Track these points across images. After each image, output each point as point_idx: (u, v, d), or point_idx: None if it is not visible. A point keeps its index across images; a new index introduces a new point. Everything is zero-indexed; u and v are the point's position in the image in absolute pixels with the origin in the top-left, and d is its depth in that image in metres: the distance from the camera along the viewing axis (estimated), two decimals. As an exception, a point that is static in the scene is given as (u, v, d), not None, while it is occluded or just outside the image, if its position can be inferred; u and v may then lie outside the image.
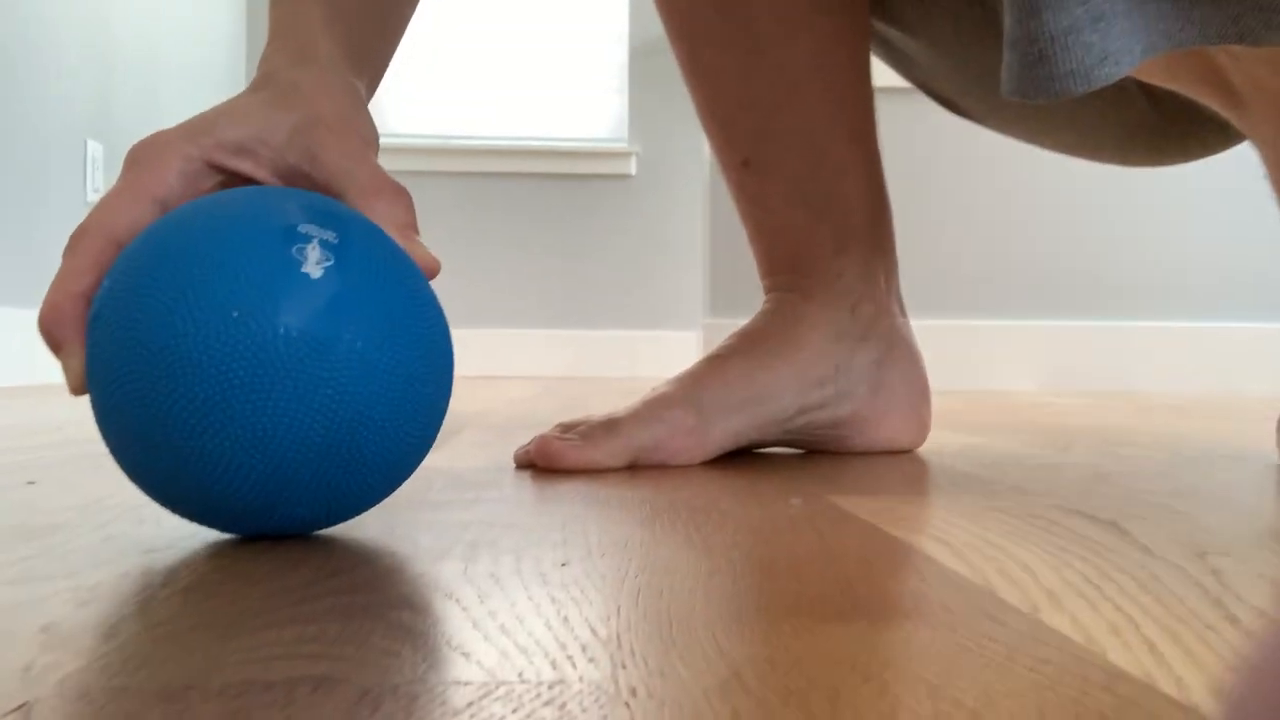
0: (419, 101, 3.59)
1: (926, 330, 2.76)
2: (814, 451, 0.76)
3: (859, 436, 0.75)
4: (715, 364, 0.72)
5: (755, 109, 0.74)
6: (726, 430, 0.69)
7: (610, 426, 0.65)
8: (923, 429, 0.78)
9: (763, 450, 0.77)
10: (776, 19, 0.72)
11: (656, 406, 0.67)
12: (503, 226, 3.57)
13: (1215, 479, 0.62)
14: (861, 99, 0.76)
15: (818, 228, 0.75)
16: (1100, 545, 0.40)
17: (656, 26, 3.83)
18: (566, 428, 0.67)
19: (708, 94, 0.76)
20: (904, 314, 0.78)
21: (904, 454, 0.76)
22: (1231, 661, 0.25)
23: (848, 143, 0.75)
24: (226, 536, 0.41)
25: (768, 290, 0.77)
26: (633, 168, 3.58)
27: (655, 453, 0.66)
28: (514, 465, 0.65)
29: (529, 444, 0.65)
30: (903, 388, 0.76)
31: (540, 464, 0.63)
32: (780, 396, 0.71)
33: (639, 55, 3.53)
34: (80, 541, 0.39)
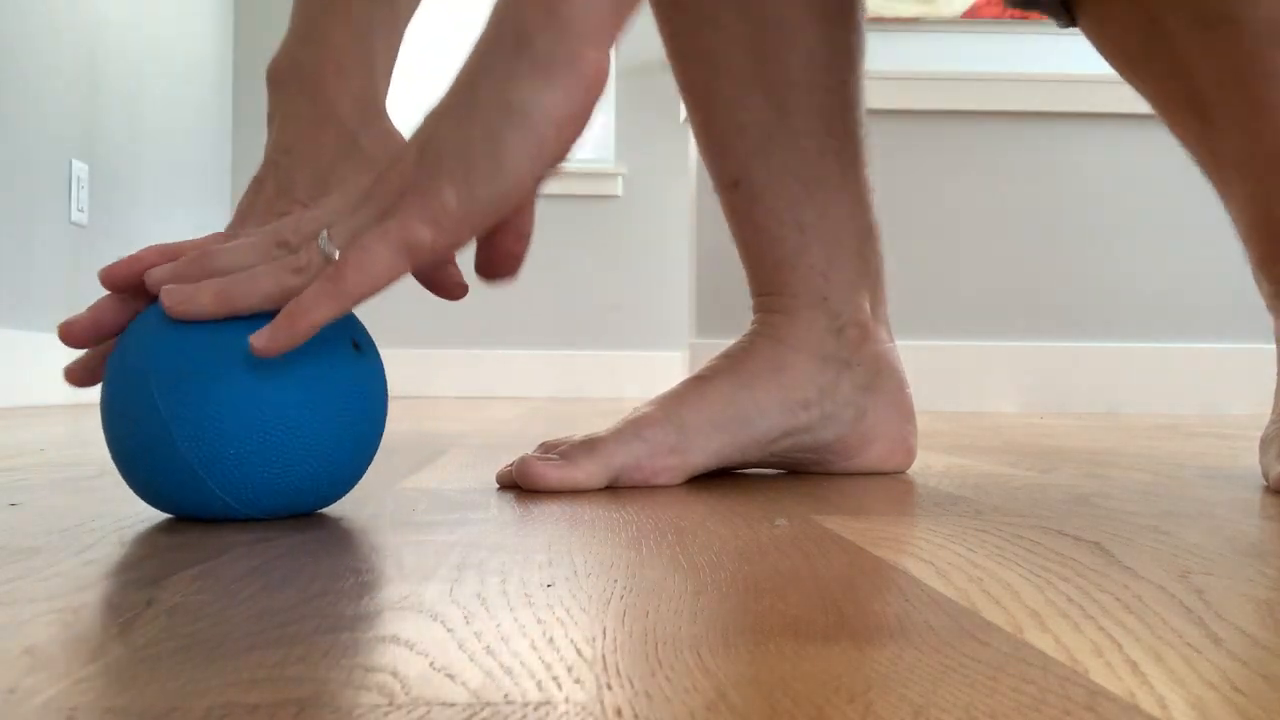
0: (405, 124, 3.60)
1: (911, 351, 2.77)
2: (798, 472, 0.76)
3: (843, 461, 0.75)
4: (698, 384, 0.71)
5: (747, 133, 0.75)
6: (707, 450, 0.69)
7: (590, 446, 0.65)
8: (909, 455, 0.77)
9: (746, 470, 0.77)
10: (771, 46, 0.74)
11: (638, 426, 0.67)
12: (489, 247, 3.57)
13: (1198, 499, 0.63)
14: (852, 125, 0.76)
15: (805, 250, 0.74)
16: (1083, 565, 0.40)
17: (643, 48, 3.85)
18: (548, 448, 0.67)
19: (702, 116, 0.77)
20: (892, 339, 0.78)
21: (888, 476, 0.76)
22: (1213, 681, 0.25)
23: (837, 168, 0.76)
24: (210, 559, 0.40)
25: (755, 310, 0.77)
26: (619, 188, 3.59)
27: (636, 472, 0.66)
28: (497, 485, 0.65)
29: (511, 464, 0.65)
30: (887, 414, 0.75)
31: (521, 484, 0.63)
32: (763, 418, 0.71)
33: (626, 76, 3.54)
34: (63, 564, 0.39)
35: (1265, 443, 0.71)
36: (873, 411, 0.74)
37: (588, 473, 0.64)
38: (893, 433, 0.75)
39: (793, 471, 0.76)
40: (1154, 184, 2.52)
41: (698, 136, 0.78)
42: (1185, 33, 0.66)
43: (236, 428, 0.47)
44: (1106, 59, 0.74)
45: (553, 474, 0.63)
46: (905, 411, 0.77)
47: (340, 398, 0.49)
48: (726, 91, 0.75)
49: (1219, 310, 2.53)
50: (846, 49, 0.76)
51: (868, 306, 0.76)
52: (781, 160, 0.75)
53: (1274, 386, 0.73)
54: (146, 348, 0.49)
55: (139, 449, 0.48)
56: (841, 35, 0.76)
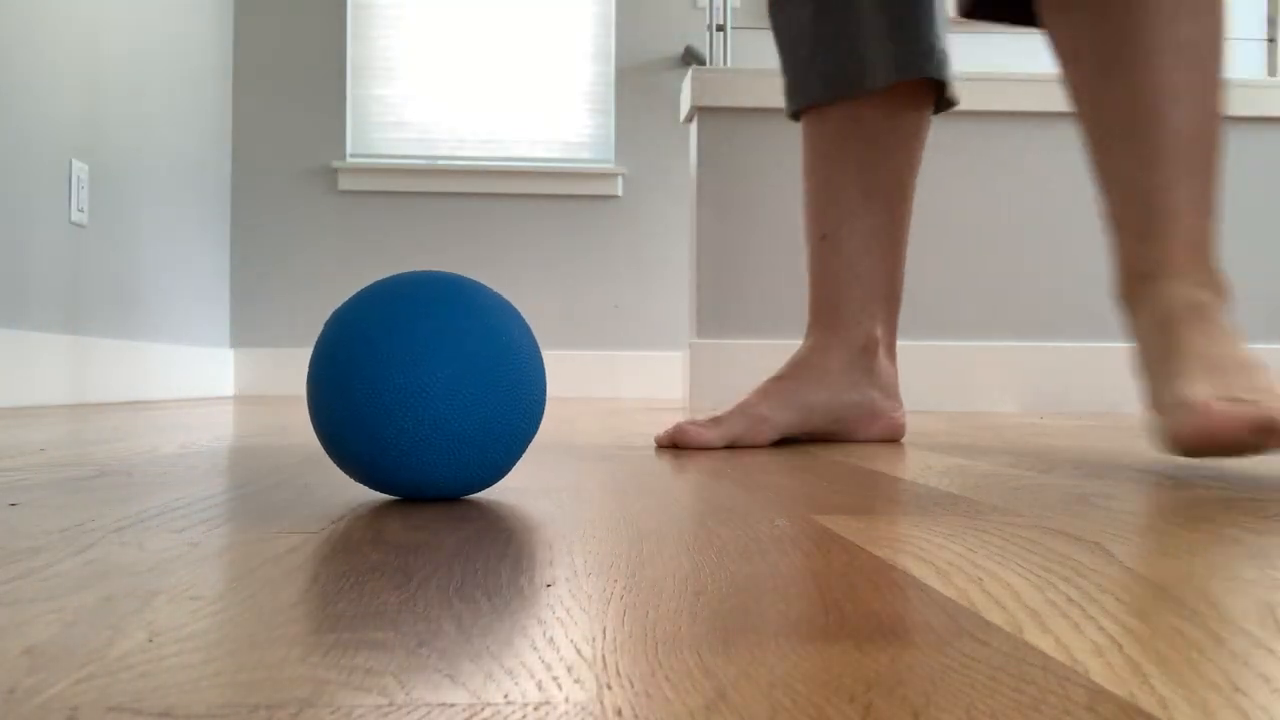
0: (406, 123, 3.60)
1: (913, 351, 2.76)
2: (828, 441, 1.16)
3: (859, 432, 1.17)
4: (779, 382, 1.14)
5: (840, 205, 1.15)
6: (781, 423, 1.11)
7: (718, 421, 1.08)
8: (901, 429, 1.19)
9: (750, 470, 0.77)
10: (870, 159, 1.14)
11: (744, 408, 1.10)
12: (489, 247, 3.57)
13: (1198, 499, 0.63)
14: (909, 202, 1.17)
15: (855, 294, 1.16)
16: (1084, 565, 0.40)
17: (644, 48, 3.85)
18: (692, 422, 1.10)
19: (811, 187, 1.17)
20: (892, 358, 1.20)
21: (888, 476, 0.76)
22: (1215, 681, 0.25)
23: (891, 234, 1.16)
24: (209, 560, 0.40)
25: (810, 327, 1.18)
26: (619, 188, 3.59)
27: (745, 437, 1.08)
28: (655, 446, 1.04)
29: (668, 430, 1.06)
30: (886, 404, 1.19)
31: (678, 443, 1.04)
32: (816, 405, 1.14)
33: (625, 76, 3.54)
34: (63, 564, 0.39)
35: (1156, 398, 0.83)
36: (877, 400, 1.17)
37: (717, 436, 1.06)
38: (889, 414, 1.18)
39: (824, 441, 1.16)
40: (1154, 184, 2.52)
41: (806, 198, 1.18)
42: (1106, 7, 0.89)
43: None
44: (1041, 12, 0.94)
45: (694, 436, 1.04)
46: (896, 402, 1.20)
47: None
48: (837, 180, 1.15)
49: (1219, 310, 2.53)
50: (918, 155, 1.16)
51: (880, 333, 1.17)
52: (858, 229, 1.15)
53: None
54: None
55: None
56: (920, 144, 1.16)
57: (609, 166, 3.54)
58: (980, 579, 0.37)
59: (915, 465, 0.86)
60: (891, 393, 1.18)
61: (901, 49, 1.12)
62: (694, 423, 1.06)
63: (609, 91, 3.54)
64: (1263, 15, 3.10)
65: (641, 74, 3.53)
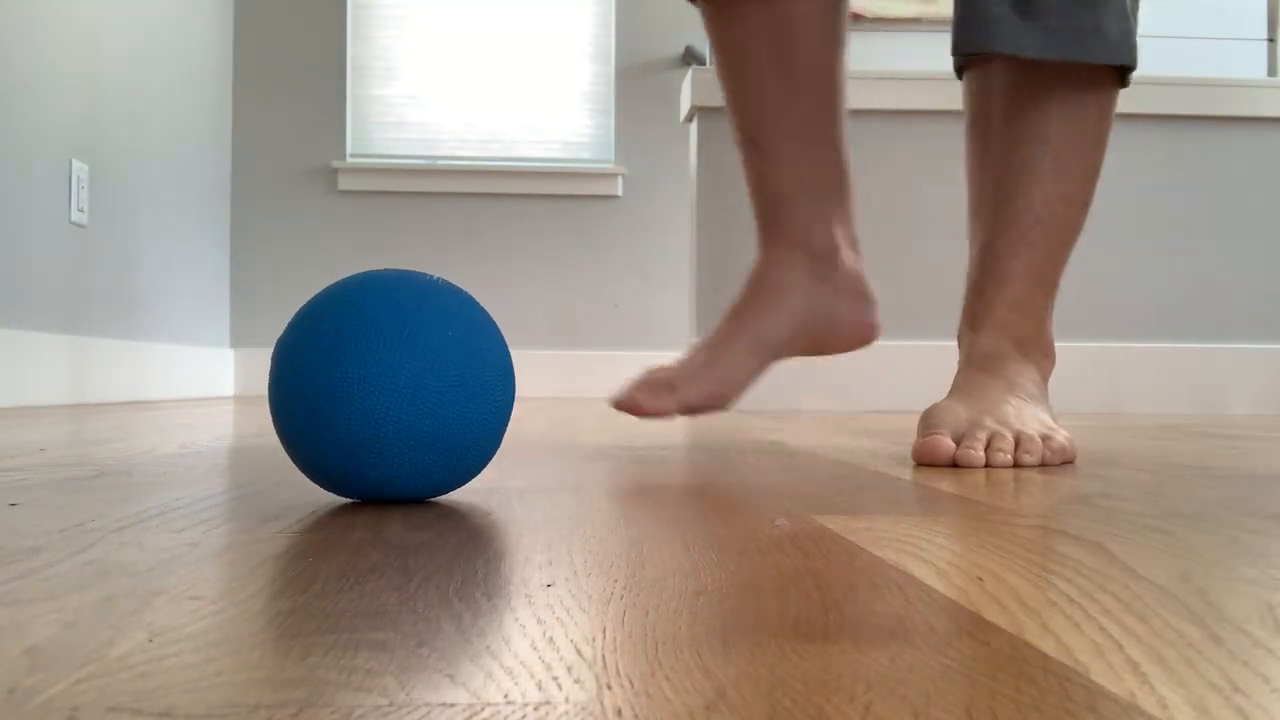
0: (406, 123, 3.60)
1: (913, 352, 2.76)
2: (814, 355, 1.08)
3: (827, 342, 1.07)
4: (736, 323, 1.04)
5: (764, 103, 1.01)
6: (748, 369, 1.03)
7: (672, 385, 1.01)
8: (872, 330, 1.09)
9: (746, 470, 0.77)
10: (785, 37, 0.99)
11: (705, 367, 1.02)
12: (489, 247, 3.57)
13: (1198, 499, 0.63)
14: (839, 93, 1.02)
15: (798, 199, 1.03)
16: (1084, 565, 0.40)
17: (644, 49, 3.86)
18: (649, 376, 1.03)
19: (732, 88, 1.03)
20: (856, 250, 1.08)
21: (888, 476, 0.76)
22: (1215, 681, 0.25)
23: (826, 129, 1.02)
24: (209, 560, 0.40)
25: (760, 243, 1.06)
26: (619, 188, 3.59)
27: (706, 403, 1.02)
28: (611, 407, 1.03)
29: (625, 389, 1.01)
30: (854, 306, 1.07)
31: (629, 411, 0.99)
32: (777, 332, 1.04)
33: (625, 76, 3.54)
34: (63, 564, 0.39)
35: (921, 421, 0.91)
36: (844, 308, 1.06)
37: (670, 406, 1.00)
38: (857, 318, 1.07)
39: (802, 356, 1.08)
40: (1154, 184, 2.52)
41: (728, 103, 1.04)
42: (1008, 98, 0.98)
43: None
44: (968, 103, 1.03)
45: (649, 409, 0.99)
46: (866, 302, 1.08)
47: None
48: (750, 73, 1.01)
49: (1219, 310, 2.53)
50: (840, 35, 1.01)
51: (839, 235, 1.05)
52: (788, 126, 1.01)
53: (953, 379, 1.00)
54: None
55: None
56: (838, 22, 1.01)
57: (609, 166, 3.54)
58: (980, 579, 0.37)
59: (916, 465, 0.86)
60: (860, 294, 1.08)
61: None
62: (649, 384, 1.00)
63: (609, 91, 3.54)
64: (1263, 15, 3.10)
65: (641, 74, 3.53)
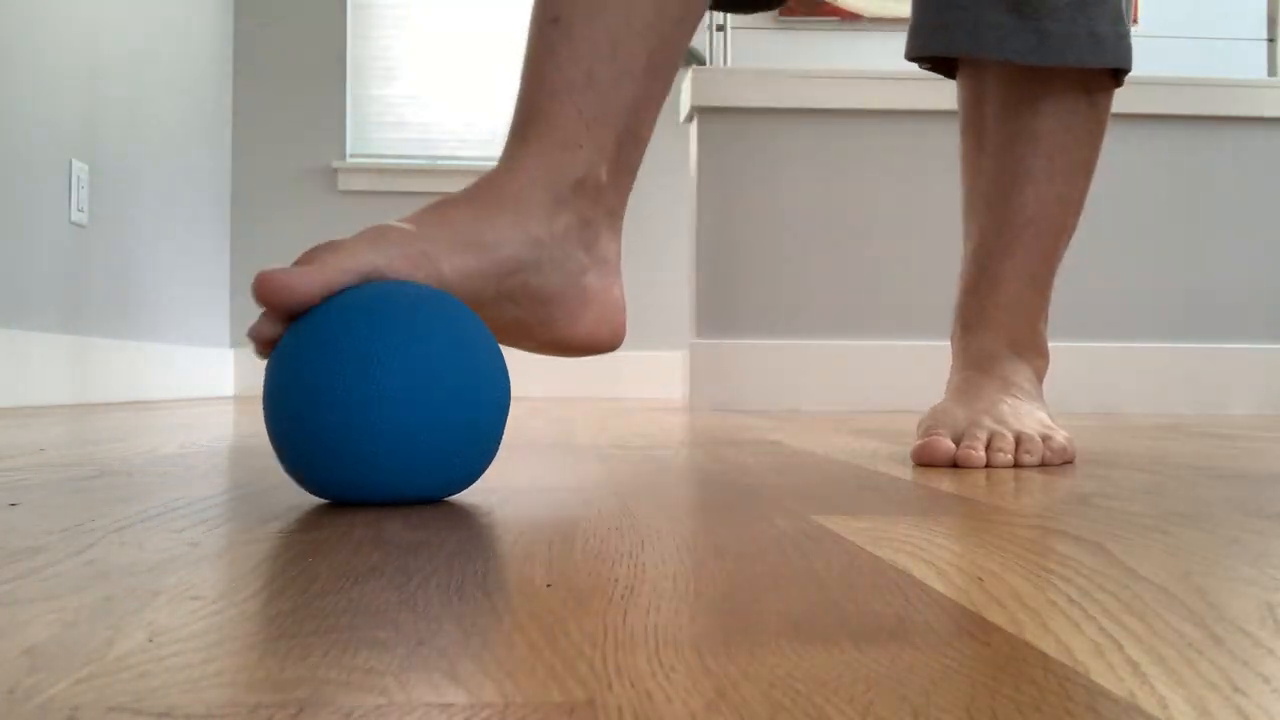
0: (406, 123, 3.60)
1: (913, 352, 2.77)
2: (524, 338, 0.76)
3: (563, 320, 0.76)
4: (442, 207, 0.71)
5: None
6: (453, 266, 0.68)
7: (334, 247, 0.62)
8: (617, 331, 0.80)
9: (745, 471, 0.77)
10: None
11: (384, 232, 0.65)
12: (489, 247, 3.57)
13: (1198, 499, 0.63)
14: (678, 30, 0.81)
15: (581, 94, 0.77)
16: (1084, 565, 0.40)
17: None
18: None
19: None
20: (615, 229, 0.81)
21: (888, 476, 0.76)
22: (1215, 681, 0.25)
23: (646, 52, 0.80)
24: (209, 560, 0.40)
25: (511, 134, 0.79)
26: (619, 189, 3.58)
27: (385, 273, 0.62)
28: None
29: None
30: (604, 284, 0.78)
31: (262, 298, 0.58)
32: (502, 246, 0.71)
33: (625, 77, 3.54)
34: (63, 564, 0.39)
35: (920, 423, 0.90)
36: (593, 275, 0.77)
37: (337, 270, 0.60)
38: (608, 303, 0.78)
39: (520, 337, 0.76)
40: (1154, 184, 2.52)
41: None
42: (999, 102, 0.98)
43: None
44: (961, 103, 1.02)
45: (299, 279, 0.59)
46: (616, 295, 0.80)
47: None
48: None
49: (1219, 310, 2.53)
50: None
51: (608, 185, 0.79)
52: (606, 20, 0.78)
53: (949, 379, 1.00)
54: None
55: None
56: None
57: (609, 166, 3.54)
58: (980, 579, 0.37)
59: (916, 465, 0.86)
60: (610, 271, 0.80)
61: None
62: (303, 262, 0.61)
63: (609, 91, 3.54)
64: (1263, 15, 3.10)
65: (641, 74, 3.53)
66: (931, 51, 0.98)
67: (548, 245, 0.74)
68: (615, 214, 0.82)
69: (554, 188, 0.75)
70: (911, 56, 1.01)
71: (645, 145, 0.83)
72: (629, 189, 0.82)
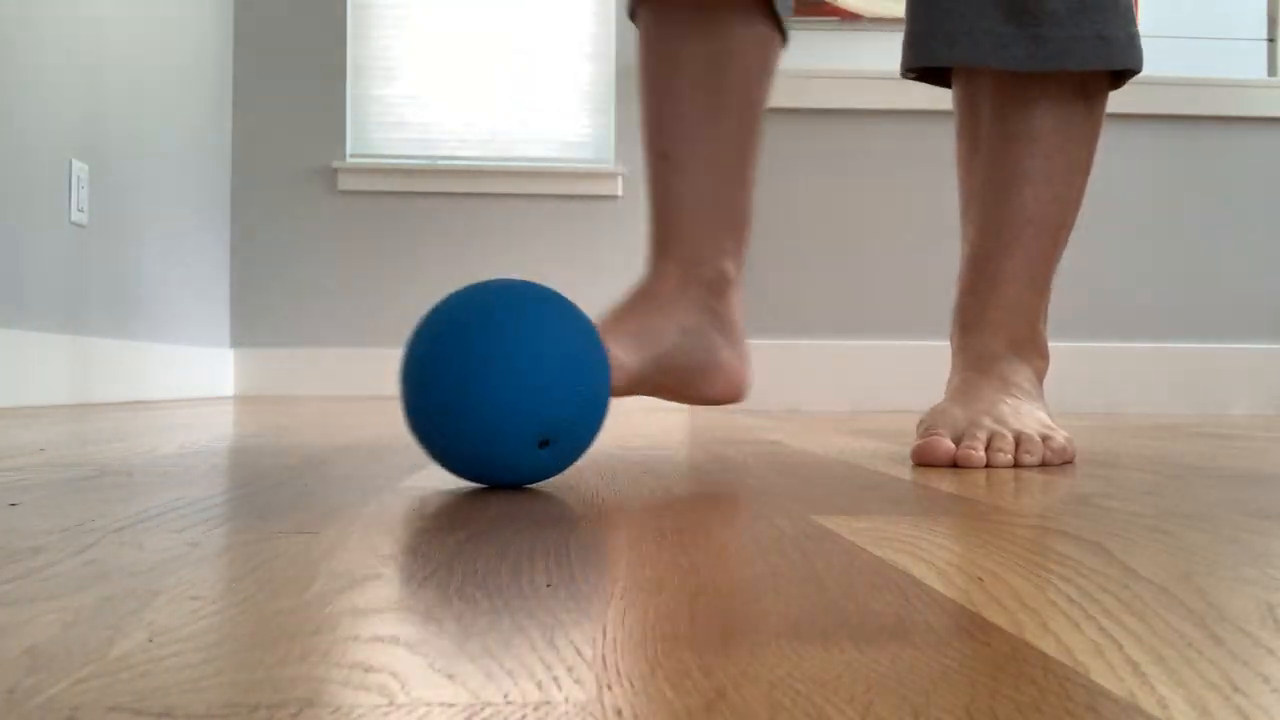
0: (406, 123, 3.60)
1: (914, 352, 2.76)
2: (674, 398, 0.99)
3: (703, 386, 0.99)
4: (619, 313, 0.95)
5: (684, 120, 1.00)
6: (630, 357, 0.92)
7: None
8: (743, 391, 1.03)
9: (745, 471, 0.77)
10: (720, 61, 0.99)
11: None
12: (489, 247, 3.57)
13: (1198, 499, 0.63)
14: (757, 129, 1.03)
15: (699, 219, 1.01)
16: (1084, 565, 0.40)
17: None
18: None
19: (653, 100, 1.02)
20: (740, 297, 1.05)
21: (888, 476, 0.76)
22: (1215, 681, 0.25)
23: (740, 162, 1.02)
24: (210, 559, 0.40)
25: (651, 254, 1.02)
26: (619, 188, 3.59)
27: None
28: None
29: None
30: (733, 354, 1.01)
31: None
32: (660, 340, 0.95)
33: (625, 76, 3.54)
34: (63, 564, 0.39)
35: (920, 423, 0.92)
36: (724, 349, 1.00)
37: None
38: (734, 367, 1.00)
39: (671, 400, 0.99)
40: (1154, 184, 2.52)
41: (647, 115, 1.02)
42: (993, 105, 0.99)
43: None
44: (957, 107, 1.03)
45: None
46: (742, 354, 1.03)
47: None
48: (677, 86, 0.99)
49: (1219, 310, 2.53)
50: (770, 69, 1.02)
51: (731, 269, 1.01)
52: (704, 147, 1.00)
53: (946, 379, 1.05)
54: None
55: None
56: (771, 57, 1.01)
57: (609, 166, 3.54)
58: (980, 579, 0.37)
59: (915, 465, 0.86)
60: (737, 342, 1.05)
61: None
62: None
63: (609, 91, 3.54)
64: (1263, 15, 3.10)
65: (641, 74, 3.53)
66: (932, 62, 0.98)
67: (691, 333, 0.98)
68: (739, 285, 1.05)
69: (691, 290, 1.00)
70: (910, 67, 1.01)
71: (751, 217, 1.05)
72: (744, 258, 1.05)
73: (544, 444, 0.63)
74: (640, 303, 0.98)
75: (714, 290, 1.00)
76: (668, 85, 1.01)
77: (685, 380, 0.98)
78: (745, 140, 1.02)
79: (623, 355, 0.92)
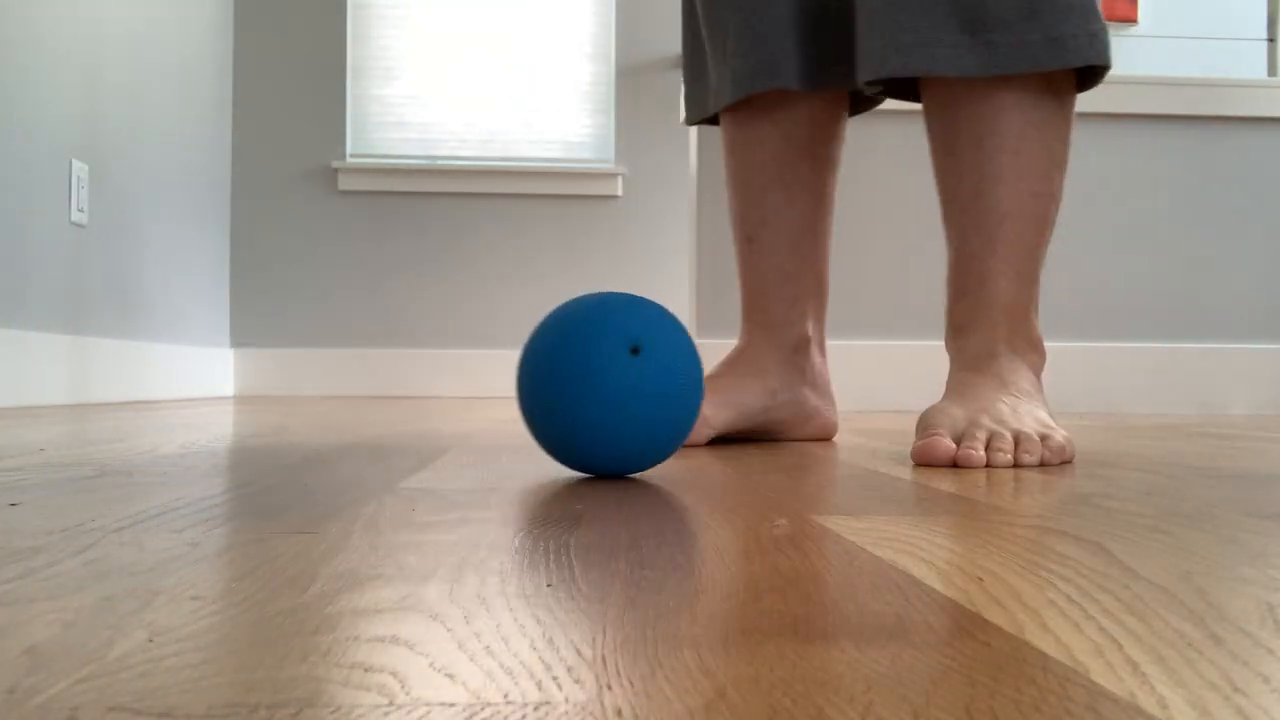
0: (406, 123, 3.60)
1: (915, 352, 2.75)
2: (769, 440, 1.19)
3: (794, 430, 1.22)
4: (714, 381, 1.17)
5: (764, 208, 1.19)
6: (718, 423, 1.13)
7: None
8: (833, 428, 1.25)
9: (748, 468, 0.77)
10: (793, 158, 1.18)
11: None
12: (489, 247, 3.57)
13: (1198, 499, 0.63)
14: (829, 207, 1.22)
15: (783, 293, 1.20)
16: (1084, 565, 0.40)
17: (644, 49, 3.86)
18: None
19: (739, 194, 1.21)
20: (823, 354, 1.26)
21: (888, 476, 0.76)
22: (1215, 681, 0.25)
23: (814, 238, 1.21)
24: (209, 560, 0.40)
25: (745, 325, 1.22)
26: (619, 189, 3.59)
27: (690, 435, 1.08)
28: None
29: None
30: (820, 402, 1.23)
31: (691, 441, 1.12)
32: (753, 400, 1.18)
33: (625, 76, 3.54)
34: (63, 564, 0.39)
35: (919, 423, 0.94)
36: (811, 398, 1.22)
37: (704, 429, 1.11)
38: (823, 414, 1.23)
39: (765, 439, 1.19)
40: (1154, 184, 2.52)
41: (734, 204, 1.22)
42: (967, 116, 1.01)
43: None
44: (923, 100, 1.05)
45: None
46: (829, 400, 1.24)
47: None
48: (757, 181, 1.19)
49: (1219, 310, 2.53)
50: (834, 162, 1.21)
51: (812, 333, 1.22)
52: (783, 229, 1.19)
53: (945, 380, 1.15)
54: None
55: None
56: (835, 153, 1.20)
57: (609, 166, 3.54)
58: (980, 579, 0.37)
59: (915, 466, 0.86)
60: (823, 390, 1.22)
61: (810, 52, 1.12)
62: None
63: (609, 91, 3.54)
64: (1263, 15, 3.10)
65: (641, 74, 3.53)
66: (888, 74, 0.98)
67: (779, 393, 1.19)
68: (820, 341, 1.24)
69: (778, 354, 1.20)
70: (868, 80, 1.01)
71: (827, 281, 1.23)
72: (824, 317, 1.24)
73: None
74: (733, 366, 1.19)
75: (798, 349, 1.20)
76: (748, 180, 1.19)
77: (777, 432, 1.21)
78: (817, 220, 1.20)
79: (710, 412, 1.11)
